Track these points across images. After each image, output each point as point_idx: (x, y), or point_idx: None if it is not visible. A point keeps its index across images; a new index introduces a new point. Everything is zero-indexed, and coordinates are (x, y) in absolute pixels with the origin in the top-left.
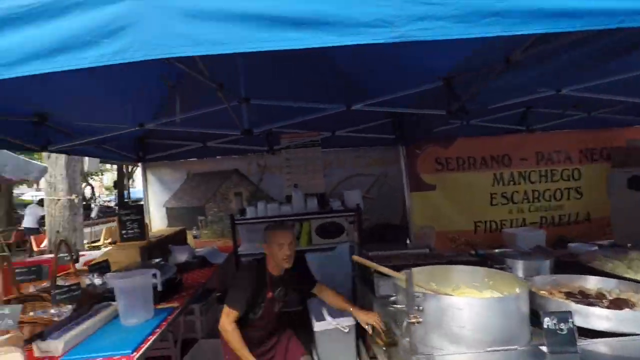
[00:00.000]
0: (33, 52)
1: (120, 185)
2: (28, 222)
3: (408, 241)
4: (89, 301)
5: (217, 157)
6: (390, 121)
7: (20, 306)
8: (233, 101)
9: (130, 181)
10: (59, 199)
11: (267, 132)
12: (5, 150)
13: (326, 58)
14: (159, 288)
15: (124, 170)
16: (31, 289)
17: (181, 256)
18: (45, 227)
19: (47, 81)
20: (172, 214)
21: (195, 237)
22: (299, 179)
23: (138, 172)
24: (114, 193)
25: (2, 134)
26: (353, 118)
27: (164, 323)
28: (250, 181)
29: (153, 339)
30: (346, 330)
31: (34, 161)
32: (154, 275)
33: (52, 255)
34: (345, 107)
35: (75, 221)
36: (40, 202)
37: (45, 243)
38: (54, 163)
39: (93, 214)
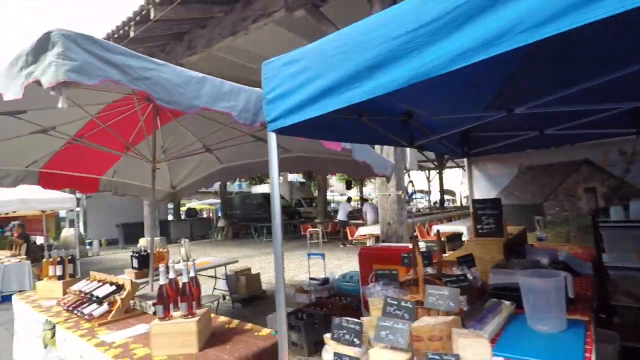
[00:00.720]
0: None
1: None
2: (340, 215)
3: None
4: (477, 295)
5: (559, 146)
6: None
7: (458, 289)
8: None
9: None
10: (389, 194)
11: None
12: (368, 148)
13: None
14: (570, 295)
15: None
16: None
17: (542, 259)
18: (352, 221)
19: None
20: None
21: (540, 239)
22: None
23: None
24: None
25: (385, 130)
26: None
27: (588, 339)
28: (608, 173)
29: (592, 357)
30: None
31: (387, 159)
32: (565, 279)
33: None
34: None
35: (401, 215)
36: (348, 200)
37: (358, 232)
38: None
39: (413, 209)
